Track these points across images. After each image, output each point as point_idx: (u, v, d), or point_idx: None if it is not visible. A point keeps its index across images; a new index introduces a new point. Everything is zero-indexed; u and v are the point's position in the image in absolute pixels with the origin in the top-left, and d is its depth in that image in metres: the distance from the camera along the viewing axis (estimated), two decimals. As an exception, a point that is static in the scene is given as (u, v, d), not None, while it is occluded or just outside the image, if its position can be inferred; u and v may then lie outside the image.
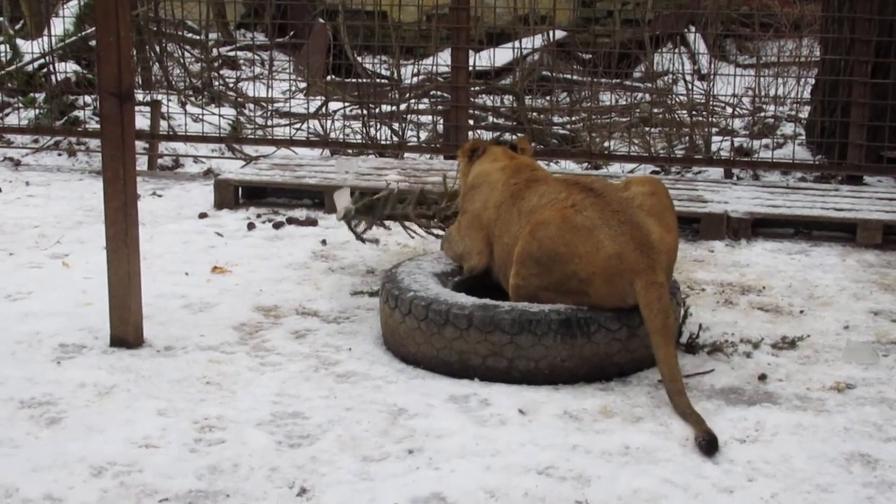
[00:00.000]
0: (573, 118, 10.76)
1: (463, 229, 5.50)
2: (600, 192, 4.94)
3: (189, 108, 10.68)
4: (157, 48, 11.50)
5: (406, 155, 9.72)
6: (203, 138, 9.72)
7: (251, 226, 7.43)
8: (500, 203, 5.31)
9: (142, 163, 9.64)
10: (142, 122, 9.71)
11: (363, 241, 6.11)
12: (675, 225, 5.10)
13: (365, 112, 10.33)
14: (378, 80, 11.37)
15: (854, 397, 4.60)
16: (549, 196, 5.03)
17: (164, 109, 10.21)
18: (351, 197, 6.18)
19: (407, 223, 6.21)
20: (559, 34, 12.78)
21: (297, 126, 10.31)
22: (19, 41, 10.90)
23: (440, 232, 6.14)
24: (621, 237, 4.70)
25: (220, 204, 7.99)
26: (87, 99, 10.30)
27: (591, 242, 4.69)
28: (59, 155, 10.04)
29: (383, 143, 9.86)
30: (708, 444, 4.04)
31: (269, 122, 10.24)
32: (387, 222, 6.24)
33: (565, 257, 4.72)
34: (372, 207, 6.11)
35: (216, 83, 11.73)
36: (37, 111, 10.14)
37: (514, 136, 9.83)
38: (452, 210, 6.06)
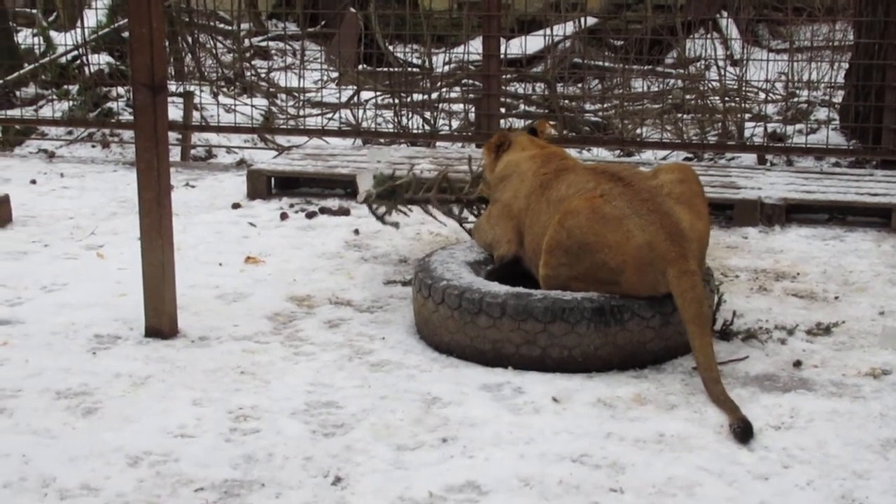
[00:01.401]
0: (605, 105, 10.73)
1: (493, 218, 5.50)
2: (629, 180, 4.93)
3: (221, 98, 10.72)
4: (190, 39, 11.54)
5: (438, 144, 9.72)
6: (235, 129, 9.75)
7: (284, 216, 7.45)
8: (529, 193, 5.30)
9: (175, 154, 9.68)
10: (175, 113, 9.75)
11: (383, 223, 6.09)
12: (706, 211, 5.06)
13: (396, 101, 10.33)
14: (409, 69, 11.36)
15: (890, 383, 4.58)
16: (577, 185, 5.02)
17: (196, 100, 10.25)
18: (374, 180, 6.16)
19: (429, 207, 6.18)
20: (590, 21, 12.74)
21: (329, 116, 10.32)
22: (53, 33, 10.96)
23: (470, 219, 6.13)
24: (651, 226, 4.68)
25: (252, 194, 8.01)
26: (121, 90, 10.36)
27: (621, 232, 4.68)
28: (93, 146, 10.10)
29: (415, 132, 9.86)
30: (742, 432, 4.03)
31: (301, 112, 10.26)
32: (409, 206, 6.21)
33: (595, 247, 4.71)
34: (392, 192, 6.10)
35: (248, 74, 11.76)
36: (70, 103, 10.20)
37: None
38: (476, 195, 6.05)
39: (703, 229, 4.96)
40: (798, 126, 9.55)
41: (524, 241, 5.28)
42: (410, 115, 10.15)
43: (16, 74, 10.55)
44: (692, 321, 4.49)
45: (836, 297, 5.72)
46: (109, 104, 10.25)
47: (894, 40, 8.41)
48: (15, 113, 10.15)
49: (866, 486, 3.69)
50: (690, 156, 9.43)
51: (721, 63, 10.68)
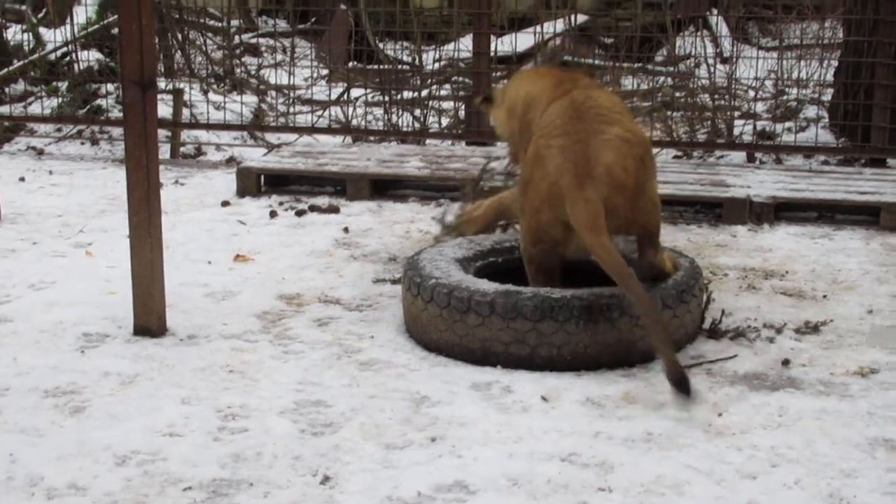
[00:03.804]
0: (595, 103, 10.69)
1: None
2: (586, 140, 4.72)
3: (211, 95, 10.68)
4: (180, 36, 11.51)
5: (428, 141, 9.71)
6: (225, 126, 9.73)
7: (273, 214, 7.44)
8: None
9: (164, 151, 9.66)
10: (164, 110, 9.72)
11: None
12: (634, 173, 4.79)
13: (387, 99, 10.31)
14: (400, 67, 11.35)
15: (878, 382, 4.59)
16: (553, 116, 4.90)
17: (186, 97, 10.23)
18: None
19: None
20: (581, 18, 12.74)
21: (319, 113, 10.31)
22: (42, 30, 10.93)
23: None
24: (567, 163, 4.64)
25: (242, 192, 8.00)
26: (110, 87, 10.32)
27: (547, 180, 4.70)
28: (82, 144, 10.07)
29: (405, 129, 9.85)
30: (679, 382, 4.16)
31: (291, 110, 10.24)
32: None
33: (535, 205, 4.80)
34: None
35: (238, 71, 11.74)
36: (59, 100, 10.17)
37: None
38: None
39: (625, 180, 4.71)
40: (787, 124, 9.55)
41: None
42: (400, 113, 10.13)
43: (4, 71, 10.51)
44: (587, 228, 4.52)
45: (825, 296, 5.73)
46: (99, 101, 10.22)
47: (883, 38, 8.42)
48: (3, 110, 10.12)
49: (854, 485, 3.70)
50: (680, 153, 9.44)
51: (711, 61, 10.68)
